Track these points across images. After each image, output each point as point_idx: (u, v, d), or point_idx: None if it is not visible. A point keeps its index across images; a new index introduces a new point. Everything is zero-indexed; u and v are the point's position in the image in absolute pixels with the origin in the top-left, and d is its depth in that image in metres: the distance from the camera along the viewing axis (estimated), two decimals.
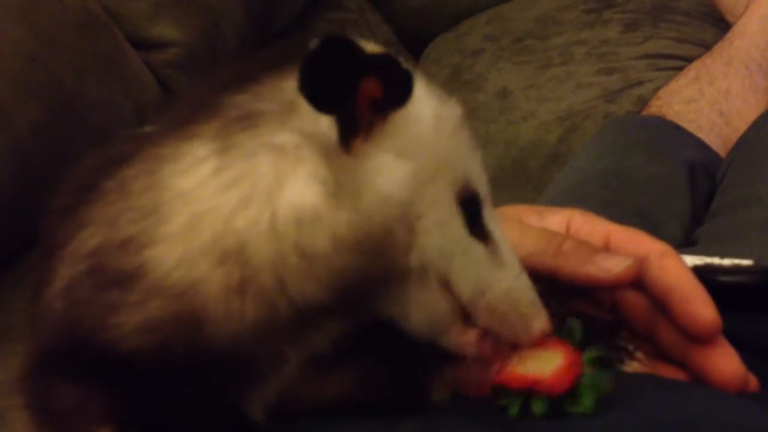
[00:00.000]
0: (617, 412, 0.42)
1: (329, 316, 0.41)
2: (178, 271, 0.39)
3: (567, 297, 0.51)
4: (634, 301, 0.51)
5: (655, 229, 0.88)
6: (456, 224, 0.42)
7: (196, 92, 0.43)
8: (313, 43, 0.36)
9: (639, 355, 0.51)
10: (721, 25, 1.41)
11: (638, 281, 0.50)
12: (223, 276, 0.38)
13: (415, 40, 1.68)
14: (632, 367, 0.50)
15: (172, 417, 0.40)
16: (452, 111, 0.43)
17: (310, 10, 1.58)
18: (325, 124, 0.39)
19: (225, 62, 1.32)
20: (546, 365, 0.43)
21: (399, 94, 0.39)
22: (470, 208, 0.43)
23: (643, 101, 1.28)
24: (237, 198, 0.39)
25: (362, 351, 0.44)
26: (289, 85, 0.40)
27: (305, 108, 0.38)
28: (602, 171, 1.05)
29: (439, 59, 1.60)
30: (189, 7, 1.27)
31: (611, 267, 0.48)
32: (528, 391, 0.42)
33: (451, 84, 1.49)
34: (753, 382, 0.48)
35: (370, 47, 0.38)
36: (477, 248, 0.43)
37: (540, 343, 0.44)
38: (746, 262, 0.59)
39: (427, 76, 0.43)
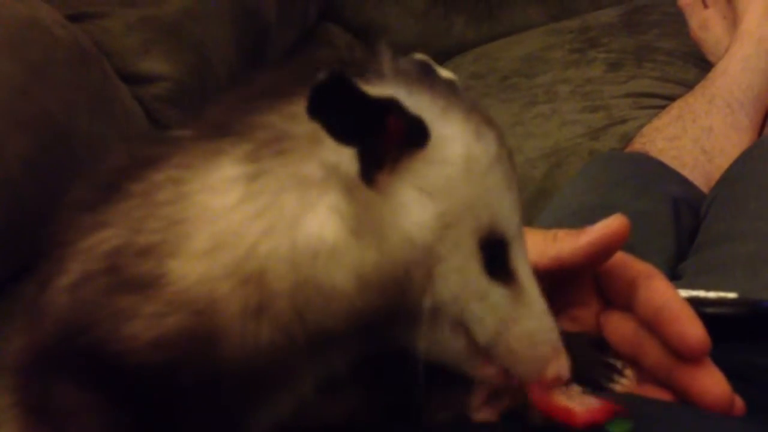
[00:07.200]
0: None
1: (345, 343, 0.41)
2: (199, 287, 0.39)
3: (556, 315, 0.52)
4: (618, 323, 0.52)
5: None
6: (474, 269, 0.42)
7: (230, 100, 0.43)
8: (319, 76, 0.36)
9: (628, 372, 0.51)
10: (704, 65, 1.42)
11: (625, 303, 0.51)
12: (242, 298, 0.39)
13: None
14: (621, 384, 0.51)
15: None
16: (487, 148, 0.43)
17: (299, 46, 1.59)
18: (348, 157, 0.39)
19: (215, 94, 1.32)
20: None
21: (416, 136, 0.39)
22: (495, 250, 0.42)
23: (627, 138, 1.29)
24: (262, 226, 0.39)
25: (371, 371, 0.44)
26: None
27: (330, 139, 0.39)
28: (587, 206, 1.06)
29: None
30: (179, 42, 1.28)
31: (605, 225, 0.51)
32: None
33: None
34: (739, 404, 0.49)
35: (376, 91, 0.38)
36: (495, 291, 0.42)
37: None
38: (731, 294, 0.59)
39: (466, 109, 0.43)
